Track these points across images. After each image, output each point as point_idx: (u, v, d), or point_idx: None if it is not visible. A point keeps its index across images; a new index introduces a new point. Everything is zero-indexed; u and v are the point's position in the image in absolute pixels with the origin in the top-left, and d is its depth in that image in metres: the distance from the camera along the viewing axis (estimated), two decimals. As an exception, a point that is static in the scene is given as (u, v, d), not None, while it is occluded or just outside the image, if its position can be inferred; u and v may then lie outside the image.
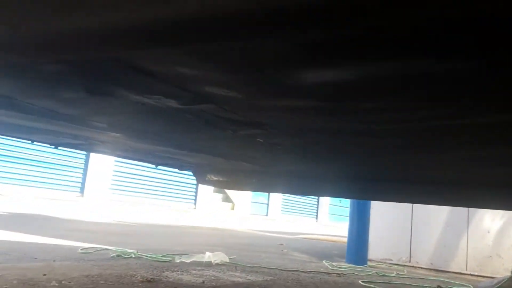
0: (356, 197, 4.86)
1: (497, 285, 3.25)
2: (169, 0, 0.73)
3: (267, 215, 19.60)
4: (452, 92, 1.16)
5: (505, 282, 3.19)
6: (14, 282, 2.36)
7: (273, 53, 0.95)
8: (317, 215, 22.79)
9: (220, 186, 4.18)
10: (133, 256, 3.66)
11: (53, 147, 2.99)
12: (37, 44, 0.91)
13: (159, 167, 4.24)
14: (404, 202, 5.12)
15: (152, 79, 1.18)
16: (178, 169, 4.08)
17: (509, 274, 3.30)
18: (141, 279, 2.77)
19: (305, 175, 3.39)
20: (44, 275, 2.61)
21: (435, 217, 5.32)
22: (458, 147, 1.89)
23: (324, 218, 22.71)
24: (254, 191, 17.63)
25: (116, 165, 13.63)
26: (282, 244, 7.14)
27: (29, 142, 2.87)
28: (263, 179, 3.71)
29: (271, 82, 1.12)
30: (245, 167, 3.14)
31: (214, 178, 3.88)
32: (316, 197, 22.09)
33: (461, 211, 5.14)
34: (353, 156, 2.44)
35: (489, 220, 5.04)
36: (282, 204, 20.49)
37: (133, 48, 0.95)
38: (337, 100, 1.31)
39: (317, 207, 22.83)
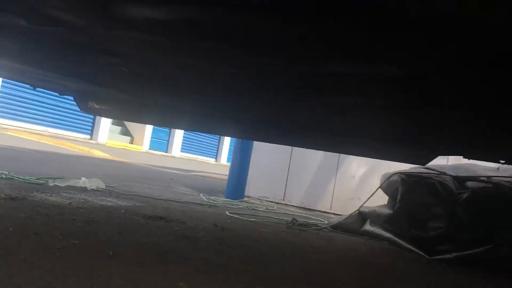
0: (244, 137, 5.14)
1: (341, 220, 3.74)
2: None
3: (166, 152, 19.70)
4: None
5: (347, 218, 3.68)
6: None
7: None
8: (216, 155, 23.31)
9: (103, 114, 4.19)
10: (4, 176, 3.63)
11: None
12: None
13: (52, 93, 4.13)
14: (285, 144, 5.51)
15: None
16: (59, 94, 4.02)
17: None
18: (4, 197, 2.81)
19: (178, 108, 3.52)
20: None
21: (310, 161, 5.80)
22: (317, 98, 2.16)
23: (224, 158, 23.33)
24: (142, 123, 17.42)
25: (3, 87, 12.79)
26: (172, 179, 7.34)
27: None
28: (148, 111, 3.79)
29: (101, 13, 1.24)
30: (120, 96, 3.22)
31: (96, 106, 3.88)
32: (217, 138, 22.52)
33: (332, 157, 5.66)
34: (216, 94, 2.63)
35: (355, 167, 5.62)
36: (183, 142, 20.66)
37: None
38: (172, 38, 1.46)
39: (217, 147, 23.33)
